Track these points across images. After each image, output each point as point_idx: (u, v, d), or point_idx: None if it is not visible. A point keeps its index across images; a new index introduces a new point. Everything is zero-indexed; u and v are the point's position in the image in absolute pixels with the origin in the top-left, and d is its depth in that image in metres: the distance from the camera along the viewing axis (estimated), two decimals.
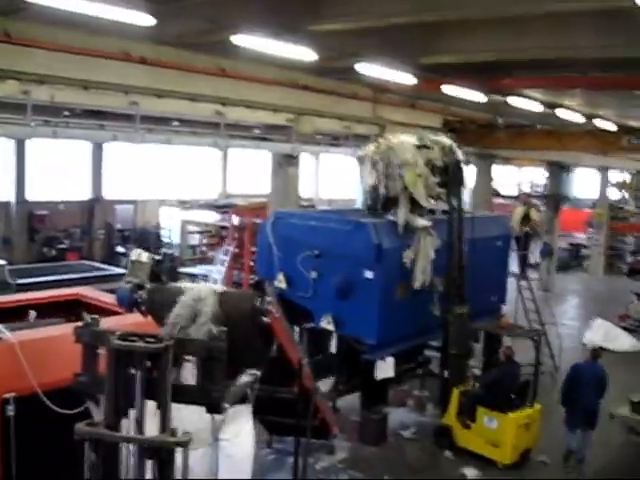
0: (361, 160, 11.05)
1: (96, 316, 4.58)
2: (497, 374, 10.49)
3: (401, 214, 10.52)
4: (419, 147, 10.90)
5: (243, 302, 5.24)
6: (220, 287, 5.34)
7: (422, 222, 10.59)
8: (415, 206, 10.74)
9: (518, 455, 10.12)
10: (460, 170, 11.04)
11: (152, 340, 4.22)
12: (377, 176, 10.72)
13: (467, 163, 11.31)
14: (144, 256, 5.68)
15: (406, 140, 11.01)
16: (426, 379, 12.68)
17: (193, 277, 18.91)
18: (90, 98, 10.99)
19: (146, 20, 8.25)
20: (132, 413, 4.22)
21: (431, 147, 10.97)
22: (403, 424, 11.56)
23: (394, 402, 12.19)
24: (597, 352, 10.52)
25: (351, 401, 11.36)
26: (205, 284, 5.37)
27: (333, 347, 11.79)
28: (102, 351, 4.36)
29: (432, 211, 11.39)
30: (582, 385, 9.77)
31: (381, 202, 10.90)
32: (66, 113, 12.46)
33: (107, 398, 4.23)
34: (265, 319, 5.25)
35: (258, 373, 5.33)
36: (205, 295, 4.98)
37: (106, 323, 6.60)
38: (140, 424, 4.26)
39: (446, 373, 10.91)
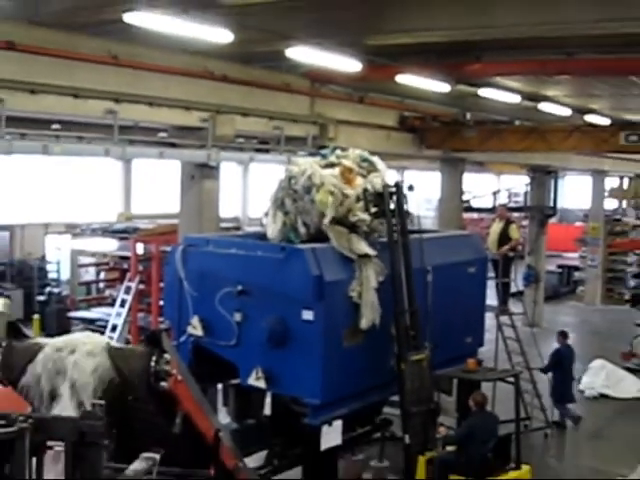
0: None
1: None
2: (467, 427, 10.32)
3: (335, 242, 10.47)
4: (325, 166, 10.99)
5: (134, 363, 4.91)
6: (99, 343, 4.98)
7: (364, 248, 10.46)
8: (353, 230, 10.68)
9: None
10: (399, 194, 10.94)
11: (1, 422, 3.85)
12: (289, 216, 10.75)
13: (411, 188, 11.33)
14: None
15: (306, 162, 11.12)
16: (386, 445, 12.44)
17: (88, 322, 18.44)
18: None
19: None
20: None
21: (337, 163, 11.07)
22: None
23: (346, 476, 11.91)
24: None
25: (293, 477, 11.04)
26: (80, 337, 5.01)
27: (267, 408, 11.53)
28: None
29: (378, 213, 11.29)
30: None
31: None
32: None
33: None
34: (163, 384, 4.94)
35: (157, 456, 4.98)
36: (77, 355, 4.65)
37: None
38: None
39: (407, 438, 10.60)
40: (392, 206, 10.81)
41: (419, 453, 10.33)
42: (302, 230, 10.76)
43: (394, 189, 10.92)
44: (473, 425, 10.23)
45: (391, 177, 11.57)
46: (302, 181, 10.64)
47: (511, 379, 11.87)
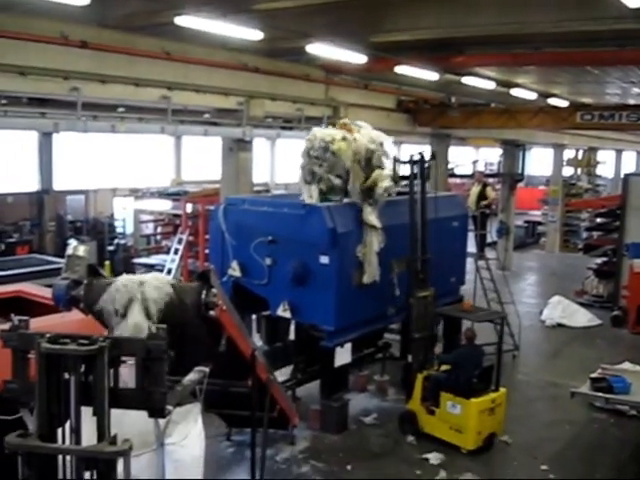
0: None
1: (25, 317, 4.22)
2: (457, 355, 10.27)
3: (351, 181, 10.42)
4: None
5: (187, 296, 4.94)
6: (164, 279, 5.01)
7: (374, 221, 10.46)
8: (366, 195, 10.62)
9: (482, 440, 9.89)
10: (422, 162, 10.85)
11: (85, 342, 3.90)
12: (322, 182, 10.49)
13: (433, 156, 11.19)
14: (81, 250, 5.31)
15: (313, 132, 10.81)
16: (386, 363, 12.53)
17: (148, 267, 18.53)
18: (28, 85, 10.47)
19: None
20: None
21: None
22: (365, 410, 11.39)
23: (355, 388, 12.01)
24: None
25: (312, 389, 11.14)
26: (147, 276, 5.04)
27: (292, 334, 11.61)
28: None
29: (403, 177, 11.13)
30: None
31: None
32: (3, 101, 11.90)
33: (39, 406, 3.91)
34: (212, 312, 4.97)
35: (207, 369, 5.05)
36: (144, 289, 4.68)
37: (46, 321, 6.32)
38: (77, 433, 3.95)
39: (409, 358, 10.66)
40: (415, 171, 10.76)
41: (418, 371, 10.41)
42: (337, 182, 10.52)
43: (418, 158, 10.84)
44: (463, 353, 10.18)
45: (377, 134, 11.28)
46: (317, 145, 10.48)
47: (498, 320, 11.56)
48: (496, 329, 13.18)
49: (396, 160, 10.85)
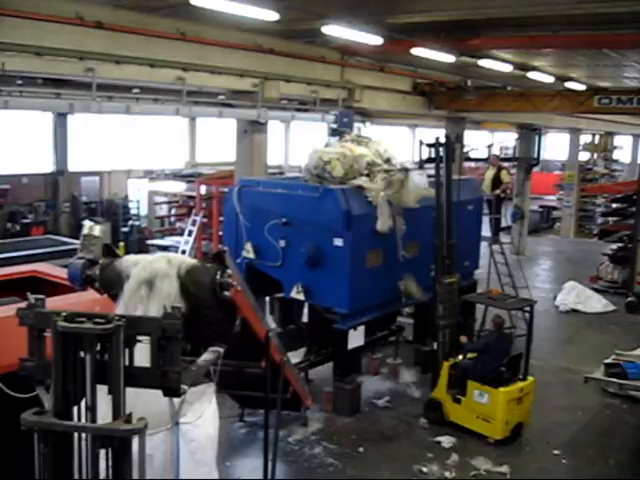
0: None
1: (41, 296, 4.24)
2: (485, 343, 10.13)
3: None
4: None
5: (202, 276, 4.95)
6: (179, 259, 5.02)
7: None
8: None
9: (509, 430, 9.75)
10: (448, 145, 10.75)
11: (101, 320, 3.92)
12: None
13: (458, 139, 11.08)
14: (97, 229, 5.34)
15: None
16: (399, 347, 12.54)
17: (162, 249, 18.59)
18: (43, 65, 10.46)
19: None
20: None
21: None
22: (377, 393, 11.41)
23: (368, 371, 12.04)
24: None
25: (324, 372, 11.17)
26: (162, 256, 5.05)
27: (305, 316, 11.63)
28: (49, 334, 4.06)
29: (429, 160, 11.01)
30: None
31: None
32: (19, 82, 11.91)
33: (55, 384, 3.93)
34: (226, 293, 4.98)
35: (221, 350, 5.06)
36: (161, 269, 4.69)
37: (62, 301, 6.36)
38: (92, 411, 3.97)
39: (435, 345, 10.53)
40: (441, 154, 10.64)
41: (444, 359, 10.27)
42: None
43: (444, 141, 10.74)
44: (491, 341, 10.03)
45: (384, 149, 11.36)
46: (316, 163, 10.59)
47: (527, 308, 11.25)
48: (510, 315, 13.33)
49: (421, 143, 10.80)
